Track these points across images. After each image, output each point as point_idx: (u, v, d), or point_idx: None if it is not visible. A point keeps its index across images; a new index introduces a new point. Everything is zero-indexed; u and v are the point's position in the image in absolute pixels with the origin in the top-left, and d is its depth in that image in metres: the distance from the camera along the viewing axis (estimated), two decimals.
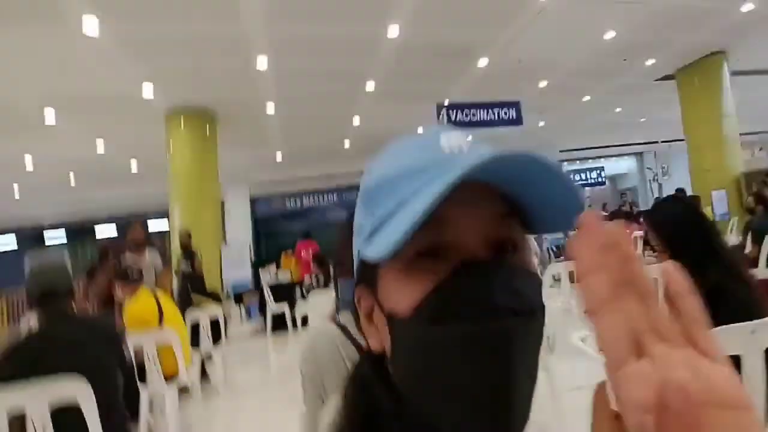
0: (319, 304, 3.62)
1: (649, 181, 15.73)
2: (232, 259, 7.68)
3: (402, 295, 0.37)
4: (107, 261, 5.25)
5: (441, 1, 5.06)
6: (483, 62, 6.73)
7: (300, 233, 9.04)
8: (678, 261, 1.72)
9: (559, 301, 4.24)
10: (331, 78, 6.77)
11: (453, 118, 7.55)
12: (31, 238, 14.15)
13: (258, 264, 9.06)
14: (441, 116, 7.53)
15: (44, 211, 13.31)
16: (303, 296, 6.25)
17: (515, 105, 7.97)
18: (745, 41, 7.23)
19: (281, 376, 4.66)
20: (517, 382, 0.34)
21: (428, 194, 0.32)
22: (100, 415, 1.87)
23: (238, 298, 7.98)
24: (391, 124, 8.46)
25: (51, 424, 1.79)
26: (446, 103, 7.67)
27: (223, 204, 10.24)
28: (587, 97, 9.36)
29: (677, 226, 1.68)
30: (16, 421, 1.80)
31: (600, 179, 15.83)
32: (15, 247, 14.19)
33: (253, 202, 13.76)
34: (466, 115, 7.66)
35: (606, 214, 10.46)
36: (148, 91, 6.42)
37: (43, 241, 14.41)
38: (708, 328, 0.24)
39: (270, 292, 6.83)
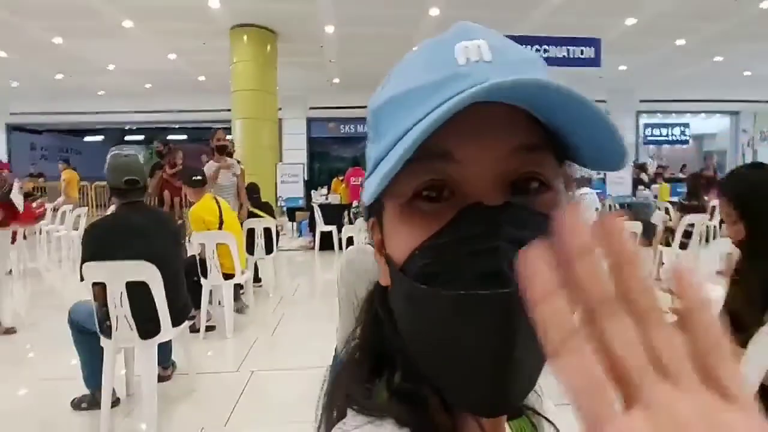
0: (364, 229, 3.85)
1: (743, 145, 14.06)
2: (287, 176, 8.14)
3: (397, 240, 0.33)
4: (163, 161, 5.74)
5: None
6: None
7: (351, 161, 9.27)
8: (751, 236, 1.53)
9: None
10: (393, 0, 6.48)
11: None
12: (115, 139, 15.65)
13: (310, 184, 9.50)
14: None
15: (125, 117, 14.48)
16: (350, 221, 6.58)
17: (595, 43, 7.27)
18: None
19: (325, 290, 5.11)
20: (517, 355, 0.28)
21: (423, 124, 0.27)
22: (167, 296, 2.22)
23: (291, 215, 8.54)
24: None
25: (126, 295, 2.16)
26: (515, 36, 7.14)
27: (280, 123, 10.58)
28: (682, 41, 8.29)
29: (754, 196, 1.49)
30: (97, 286, 2.19)
31: (683, 137, 14.32)
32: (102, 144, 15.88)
33: (309, 123, 14.05)
34: (537, 51, 7.12)
35: (684, 177, 9.47)
36: (214, 1, 6.57)
37: (125, 143, 15.94)
38: (733, 358, 0.16)
39: (320, 212, 7.25)
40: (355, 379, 0.38)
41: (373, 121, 0.35)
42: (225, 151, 4.42)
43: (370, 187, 0.31)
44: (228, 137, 4.34)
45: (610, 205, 8.68)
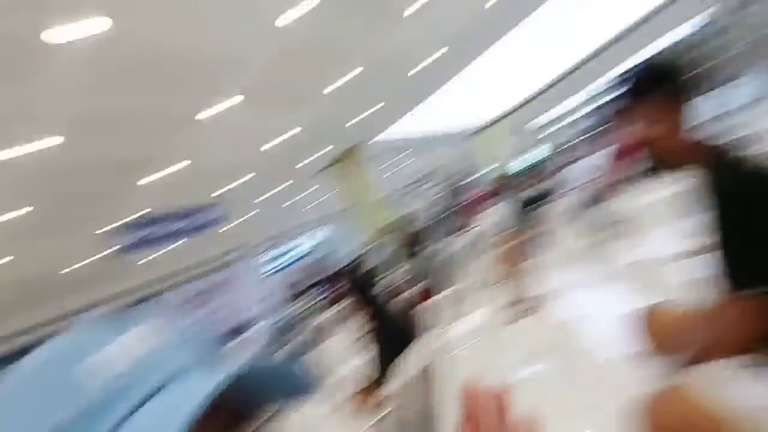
0: None
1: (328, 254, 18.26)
2: None
3: None
4: None
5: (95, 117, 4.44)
6: (148, 179, 6.35)
7: None
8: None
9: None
10: None
11: (130, 240, 6.46)
12: None
13: None
14: (118, 239, 6.46)
15: None
16: None
17: (200, 211, 7.78)
18: None
19: None
20: None
21: None
22: None
23: None
24: (50, 263, 6.83)
25: None
26: (117, 225, 6.68)
27: None
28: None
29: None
30: None
31: (302, 256, 17.33)
32: None
33: None
34: (143, 236, 6.61)
35: (324, 277, 11.04)
36: None
37: None
38: None
39: None
40: None
41: None
42: None
43: None
44: None
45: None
